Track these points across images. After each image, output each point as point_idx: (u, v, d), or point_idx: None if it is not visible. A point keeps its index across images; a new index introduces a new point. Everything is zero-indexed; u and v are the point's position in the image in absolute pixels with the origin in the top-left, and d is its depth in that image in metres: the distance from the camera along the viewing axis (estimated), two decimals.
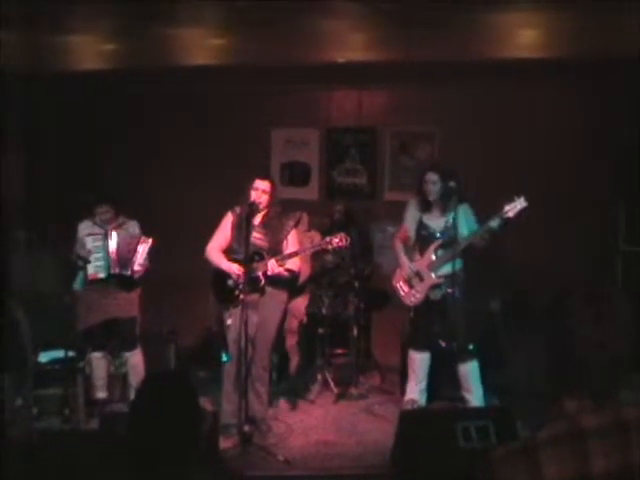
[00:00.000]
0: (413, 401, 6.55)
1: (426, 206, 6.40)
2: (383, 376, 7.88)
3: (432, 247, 6.30)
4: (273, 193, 6.16)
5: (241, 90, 8.38)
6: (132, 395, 6.66)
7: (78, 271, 6.72)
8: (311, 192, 8.93)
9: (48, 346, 6.64)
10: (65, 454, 4.08)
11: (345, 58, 7.68)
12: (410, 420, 4.95)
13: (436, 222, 6.37)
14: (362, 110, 8.73)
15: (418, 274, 6.37)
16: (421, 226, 6.42)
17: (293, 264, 6.11)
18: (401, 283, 6.50)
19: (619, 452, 1.84)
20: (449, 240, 6.23)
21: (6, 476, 3.57)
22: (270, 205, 6.13)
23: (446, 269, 6.22)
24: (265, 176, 6.23)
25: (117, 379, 6.95)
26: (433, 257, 6.30)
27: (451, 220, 6.24)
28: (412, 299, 6.41)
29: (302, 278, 7.34)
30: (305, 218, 7.64)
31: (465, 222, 6.23)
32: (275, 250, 6.06)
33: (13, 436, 4.26)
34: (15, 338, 6.15)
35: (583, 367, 1.95)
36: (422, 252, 6.40)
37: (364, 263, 7.72)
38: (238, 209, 6.19)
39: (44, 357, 6.61)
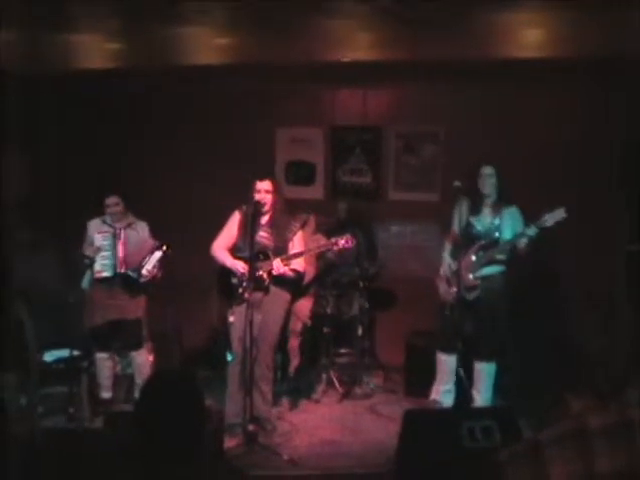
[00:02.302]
0: (435, 402, 6.54)
1: (477, 206, 6.35)
2: (387, 376, 7.88)
3: (474, 248, 6.26)
4: (276, 191, 6.16)
5: (246, 89, 8.37)
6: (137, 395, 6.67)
7: (86, 269, 6.71)
8: (316, 191, 8.92)
9: (53, 345, 6.66)
10: (70, 453, 4.08)
11: (350, 57, 7.67)
12: (414, 420, 4.94)
13: (482, 222, 6.31)
14: (367, 109, 8.72)
15: (457, 273, 6.29)
16: (468, 226, 6.33)
17: (298, 265, 6.11)
18: (440, 281, 6.49)
19: (624, 452, 1.84)
20: (491, 242, 6.21)
21: (10, 474, 3.57)
22: (275, 204, 6.12)
23: (485, 271, 6.23)
24: (264, 177, 6.20)
25: (123, 379, 6.96)
26: (473, 258, 6.24)
27: (497, 222, 6.23)
28: (449, 298, 6.37)
29: (306, 279, 7.33)
30: (312, 221, 7.62)
31: (511, 225, 6.18)
32: (281, 250, 6.06)
33: (18, 434, 4.26)
34: (19, 337, 6.16)
35: (587, 366, 1.95)
36: (466, 251, 6.32)
37: (369, 263, 7.72)
38: (245, 208, 6.19)
39: (49, 356, 6.63)
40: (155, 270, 6.64)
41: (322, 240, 7.28)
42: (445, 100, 8.26)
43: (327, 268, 7.77)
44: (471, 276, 6.23)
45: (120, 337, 6.76)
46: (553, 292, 7.54)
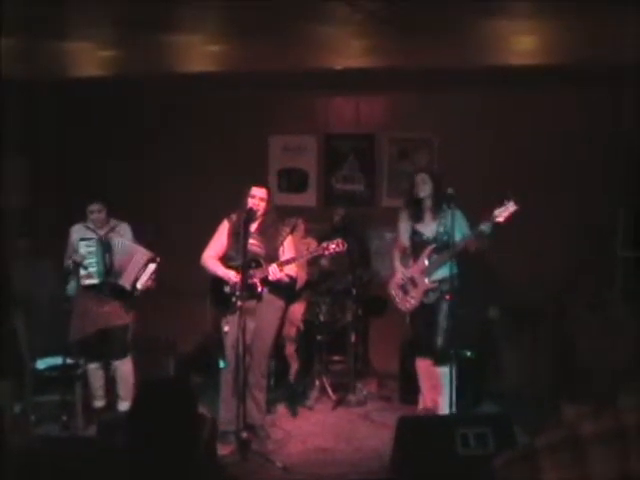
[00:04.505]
0: (426, 410, 6.54)
1: (417, 214, 6.44)
2: (381, 383, 7.88)
3: (425, 253, 6.32)
4: (269, 200, 6.17)
5: (239, 96, 8.39)
6: (120, 404, 6.65)
7: (69, 276, 6.66)
8: (309, 199, 8.93)
9: (46, 353, 6.63)
10: (63, 461, 4.07)
11: (343, 64, 7.69)
12: (408, 427, 4.95)
13: (428, 228, 6.40)
14: (360, 116, 8.74)
15: (412, 280, 6.39)
16: (414, 234, 6.46)
17: (291, 270, 6.11)
18: (396, 290, 6.52)
19: (618, 459, 1.84)
20: (442, 245, 6.26)
21: None
22: (266, 212, 6.13)
23: (440, 274, 6.26)
24: (262, 183, 6.24)
25: (114, 386, 6.91)
26: (426, 262, 6.32)
27: (443, 226, 6.28)
28: (407, 305, 6.43)
29: (299, 285, 7.33)
30: (301, 225, 7.62)
31: (458, 227, 6.22)
32: (271, 257, 6.06)
33: (11, 442, 4.25)
34: (14, 345, 6.14)
35: (583, 373, 1.95)
36: (416, 258, 6.41)
37: (362, 270, 7.72)
38: (234, 216, 6.19)
39: (42, 364, 6.59)
40: (149, 282, 6.63)
41: (312, 244, 7.28)
42: (439, 107, 8.27)
43: (321, 275, 7.77)
44: (427, 280, 6.31)
45: (108, 344, 6.70)
46: (550, 297, 7.55)
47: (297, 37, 6.98)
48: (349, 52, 7.42)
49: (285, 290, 6.26)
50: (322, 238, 7.07)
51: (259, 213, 6.07)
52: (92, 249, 6.54)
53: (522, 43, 6.96)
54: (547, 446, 1.89)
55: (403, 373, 7.41)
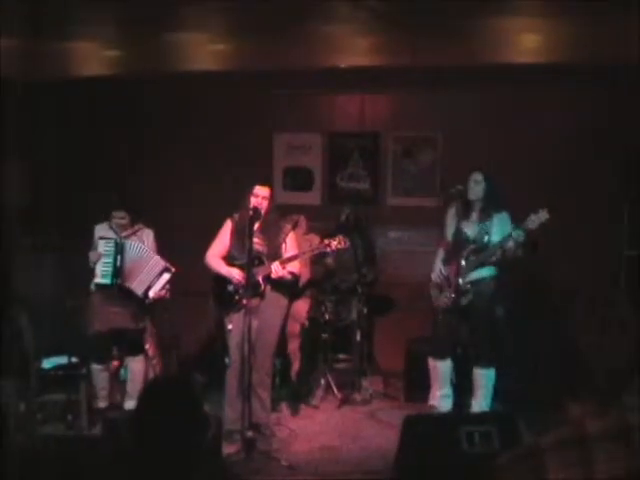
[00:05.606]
0: (433, 407, 6.54)
1: (465, 211, 6.40)
2: (386, 381, 7.86)
3: (463, 253, 6.29)
4: (272, 199, 6.15)
5: (243, 95, 8.38)
6: (126, 403, 6.64)
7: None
8: (314, 197, 8.92)
9: (51, 352, 6.63)
10: (68, 460, 4.07)
11: (348, 63, 7.68)
12: (414, 425, 4.94)
13: (472, 228, 6.35)
14: (365, 115, 8.72)
15: (448, 279, 6.38)
16: (458, 231, 6.41)
17: (293, 267, 6.10)
18: (432, 287, 6.53)
19: (623, 457, 1.83)
20: (480, 247, 6.24)
21: None
22: (269, 210, 6.11)
23: (475, 275, 6.25)
24: (265, 182, 6.21)
25: (122, 385, 6.90)
26: (463, 262, 6.28)
27: (486, 227, 6.26)
28: (440, 303, 6.41)
29: (302, 281, 7.32)
30: (303, 221, 7.60)
31: (500, 230, 6.20)
32: (274, 254, 6.03)
33: (17, 442, 4.26)
34: (18, 344, 6.14)
35: (587, 372, 1.94)
36: (456, 257, 6.39)
37: (367, 268, 7.70)
38: (237, 216, 6.17)
39: (47, 363, 6.59)
40: (163, 291, 6.62)
41: (315, 240, 7.24)
42: (443, 105, 8.26)
43: (326, 274, 7.75)
44: (461, 281, 6.28)
45: (120, 344, 6.72)
46: (553, 297, 7.53)
47: (302, 35, 6.99)
48: (354, 50, 7.42)
49: (288, 287, 6.25)
50: (327, 237, 7.06)
51: (262, 212, 6.05)
52: (109, 249, 6.56)
53: (526, 41, 6.95)
54: (552, 445, 1.88)
55: (409, 372, 7.41)
